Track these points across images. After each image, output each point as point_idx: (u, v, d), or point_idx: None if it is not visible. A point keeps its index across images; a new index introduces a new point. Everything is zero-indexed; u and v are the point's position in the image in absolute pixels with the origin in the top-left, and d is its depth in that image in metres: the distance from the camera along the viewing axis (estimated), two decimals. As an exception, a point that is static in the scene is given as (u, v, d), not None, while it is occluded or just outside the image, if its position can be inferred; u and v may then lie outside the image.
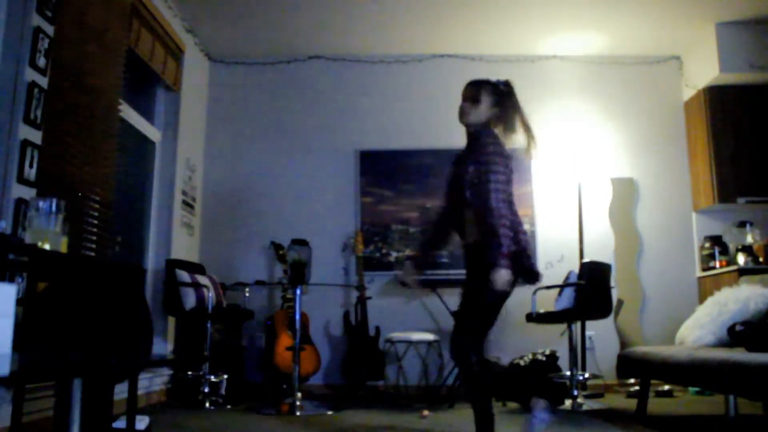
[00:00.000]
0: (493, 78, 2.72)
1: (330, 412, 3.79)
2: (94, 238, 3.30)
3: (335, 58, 5.38)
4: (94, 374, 2.11)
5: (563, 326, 4.26)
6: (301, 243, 4.05)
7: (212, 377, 4.12)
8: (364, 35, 5.10)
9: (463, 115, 2.66)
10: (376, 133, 5.25)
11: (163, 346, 4.35)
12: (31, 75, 2.79)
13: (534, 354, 4.43)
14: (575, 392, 3.93)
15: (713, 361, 2.56)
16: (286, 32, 5.03)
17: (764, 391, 2.30)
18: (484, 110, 2.64)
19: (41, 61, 2.84)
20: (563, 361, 4.32)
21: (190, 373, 4.13)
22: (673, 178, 5.23)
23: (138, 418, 2.76)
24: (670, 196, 5.20)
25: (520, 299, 4.64)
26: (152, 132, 4.56)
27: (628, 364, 3.46)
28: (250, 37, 5.10)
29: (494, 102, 2.64)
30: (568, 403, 3.93)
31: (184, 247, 4.76)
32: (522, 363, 4.37)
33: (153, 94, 4.67)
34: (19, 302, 1.82)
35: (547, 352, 4.41)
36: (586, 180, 5.08)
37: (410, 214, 5.15)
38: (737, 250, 4.69)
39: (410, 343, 4.67)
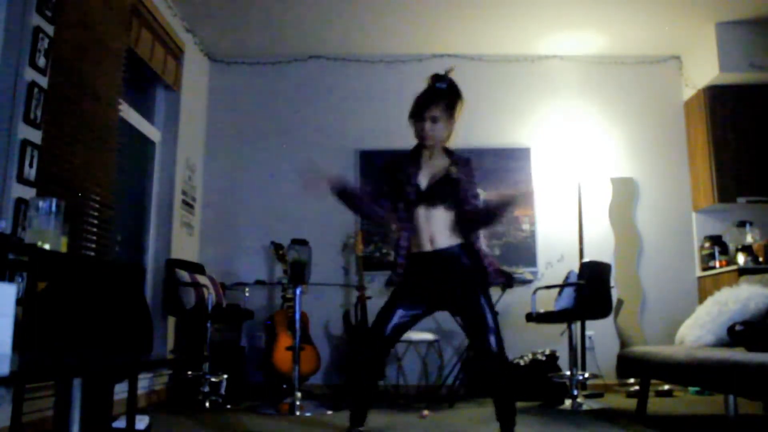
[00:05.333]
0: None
1: (330, 412, 3.79)
2: (94, 238, 3.30)
3: (335, 58, 5.38)
4: (94, 374, 2.11)
5: (563, 326, 4.26)
6: (301, 243, 4.05)
7: (212, 377, 4.12)
8: (364, 35, 5.10)
9: None
10: (376, 133, 5.23)
11: (163, 346, 4.35)
12: (31, 75, 2.79)
13: (534, 354, 4.43)
14: (575, 392, 3.93)
15: (713, 361, 2.56)
16: (286, 32, 5.03)
17: (764, 391, 2.30)
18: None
19: (41, 61, 2.84)
20: (563, 361, 4.32)
21: (190, 373, 4.13)
22: (673, 178, 5.23)
23: (138, 418, 2.76)
24: (670, 196, 5.20)
25: (520, 299, 4.68)
26: (152, 132, 4.56)
27: (628, 363, 3.45)
28: (250, 37, 5.10)
29: None
30: (568, 402, 3.92)
31: (184, 247, 4.76)
32: (522, 363, 4.38)
33: (153, 94, 4.67)
34: (19, 302, 1.82)
35: (547, 352, 4.42)
36: (586, 180, 5.08)
37: (410, 214, 5.13)
38: (737, 250, 4.69)
39: (410, 343, 4.67)
